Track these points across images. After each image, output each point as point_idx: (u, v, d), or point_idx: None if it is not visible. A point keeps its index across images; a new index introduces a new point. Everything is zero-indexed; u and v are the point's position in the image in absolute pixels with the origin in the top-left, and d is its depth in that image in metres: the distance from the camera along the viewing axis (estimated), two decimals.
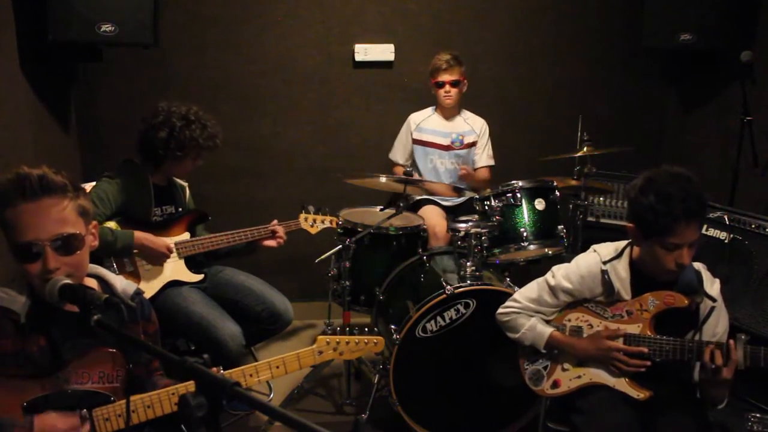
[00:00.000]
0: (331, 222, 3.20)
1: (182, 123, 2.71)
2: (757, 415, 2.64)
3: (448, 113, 3.67)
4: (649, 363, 1.97)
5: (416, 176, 3.52)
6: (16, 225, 1.53)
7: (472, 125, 3.70)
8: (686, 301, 1.95)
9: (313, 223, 3.18)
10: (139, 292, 1.82)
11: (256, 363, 1.79)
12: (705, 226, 3.08)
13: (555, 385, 2.15)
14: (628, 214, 1.99)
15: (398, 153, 3.72)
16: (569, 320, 2.12)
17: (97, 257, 2.54)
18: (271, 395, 3.09)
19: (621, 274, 2.03)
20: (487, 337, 2.34)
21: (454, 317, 2.58)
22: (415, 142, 3.66)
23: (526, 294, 2.19)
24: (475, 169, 3.80)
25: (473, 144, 3.70)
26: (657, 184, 1.87)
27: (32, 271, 1.56)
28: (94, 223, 1.70)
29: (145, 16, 3.01)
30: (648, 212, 1.86)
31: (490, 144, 3.74)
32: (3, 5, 2.76)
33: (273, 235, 3.00)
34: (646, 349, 1.97)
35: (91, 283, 1.73)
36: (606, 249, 2.09)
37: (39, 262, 1.54)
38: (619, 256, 2.05)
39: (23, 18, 2.86)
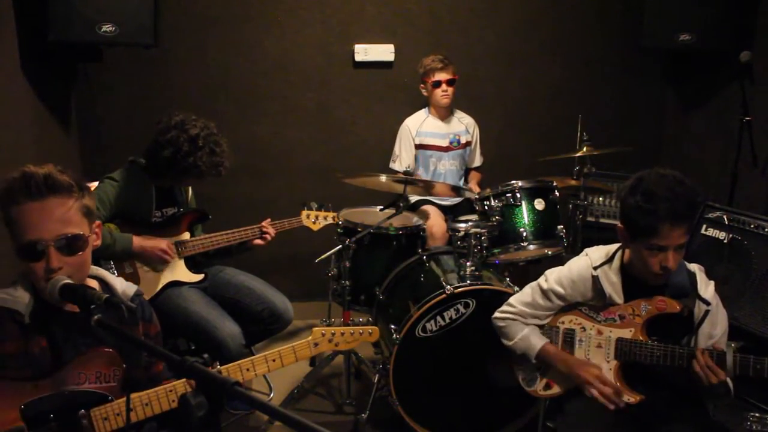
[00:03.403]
0: (333, 218, 3.18)
1: (189, 147, 2.60)
2: (757, 415, 2.64)
3: (444, 114, 3.68)
4: (613, 408, 1.95)
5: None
6: (21, 223, 1.54)
7: (465, 125, 3.73)
8: (678, 307, 1.93)
9: (315, 219, 3.17)
10: (139, 293, 1.81)
11: (252, 357, 1.79)
12: (704, 226, 3.09)
13: (548, 386, 2.15)
14: (619, 214, 1.98)
15: (404, 161, 3.65)
16: (563, 322, 2.12)
17: (94, 258, 2.54)
18: (271, 395, 3.09)
19: (612, 278, 2.01)
20: (487, 337, 2.33)
21: (453, 317, 2.59)
22: (417, 147, 3.66)
23: (520, 298, 2.19)
24: (473, 169, 3.82)
25: (468, 144, 3.72)
26: (645, 183, 1.85)
27: (36, 270, 1.56)
28: (98, 222, 1.71)
29: (145, 17, 3.01)
30: (634, 212, 1.85)
31: (479, 142, 3.79)
32: (3, 5, 2.76)
33: (261, 234, 2.94)
34: (613, 407, 1.94)
35: (92, 284, 1.74)
36: (597, 253, 2.08)
37: (43, 261, 1.55)
38: (610, 260, 2.04)
39: (24, 18, 2.86)
